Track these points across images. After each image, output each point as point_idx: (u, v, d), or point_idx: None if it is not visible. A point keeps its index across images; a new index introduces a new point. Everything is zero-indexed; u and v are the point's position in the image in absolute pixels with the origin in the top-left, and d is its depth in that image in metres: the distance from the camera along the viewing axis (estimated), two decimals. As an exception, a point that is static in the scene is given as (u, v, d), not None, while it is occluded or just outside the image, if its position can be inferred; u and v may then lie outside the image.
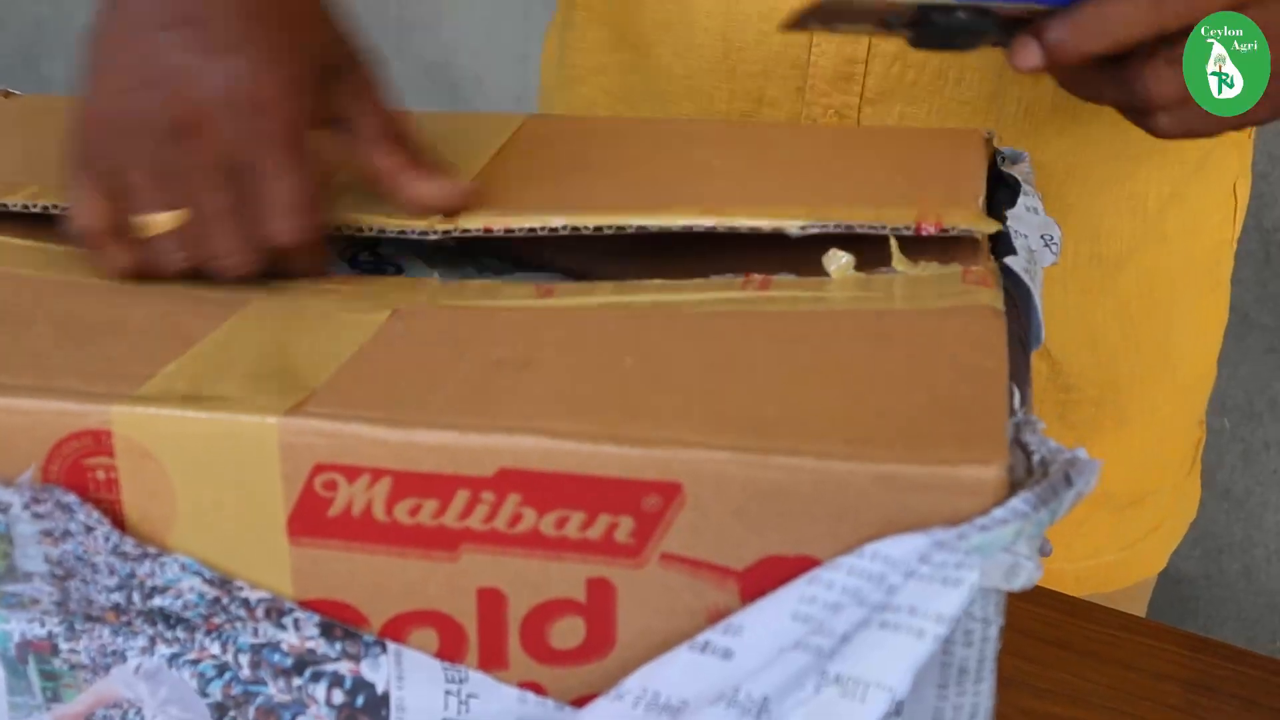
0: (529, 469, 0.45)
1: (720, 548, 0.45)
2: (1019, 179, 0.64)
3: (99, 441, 0.47)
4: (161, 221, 0.54)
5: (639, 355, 0.50)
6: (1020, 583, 0.44)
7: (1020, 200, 0.63)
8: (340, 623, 0.48)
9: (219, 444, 0.46)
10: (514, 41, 1.84)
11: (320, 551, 0.47)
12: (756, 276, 0.55)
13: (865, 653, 0.42)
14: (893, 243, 0.55)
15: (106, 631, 0.49)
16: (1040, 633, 0.75)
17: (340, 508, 0.46)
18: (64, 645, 0.50)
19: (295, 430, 0.46)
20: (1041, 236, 0.61)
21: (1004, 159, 0.67)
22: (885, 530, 0.44)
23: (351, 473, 0.46)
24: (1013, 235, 0.59)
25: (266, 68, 0.53)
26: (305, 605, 0.48)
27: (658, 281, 0.55)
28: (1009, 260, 0.56)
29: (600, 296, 0.54)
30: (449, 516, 0.46)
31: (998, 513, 0.43)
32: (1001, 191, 0.63)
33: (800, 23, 0.62)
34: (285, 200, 0.54)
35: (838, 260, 0.55)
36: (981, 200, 0.58)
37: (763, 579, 0.45)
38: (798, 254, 0.56)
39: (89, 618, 0.49)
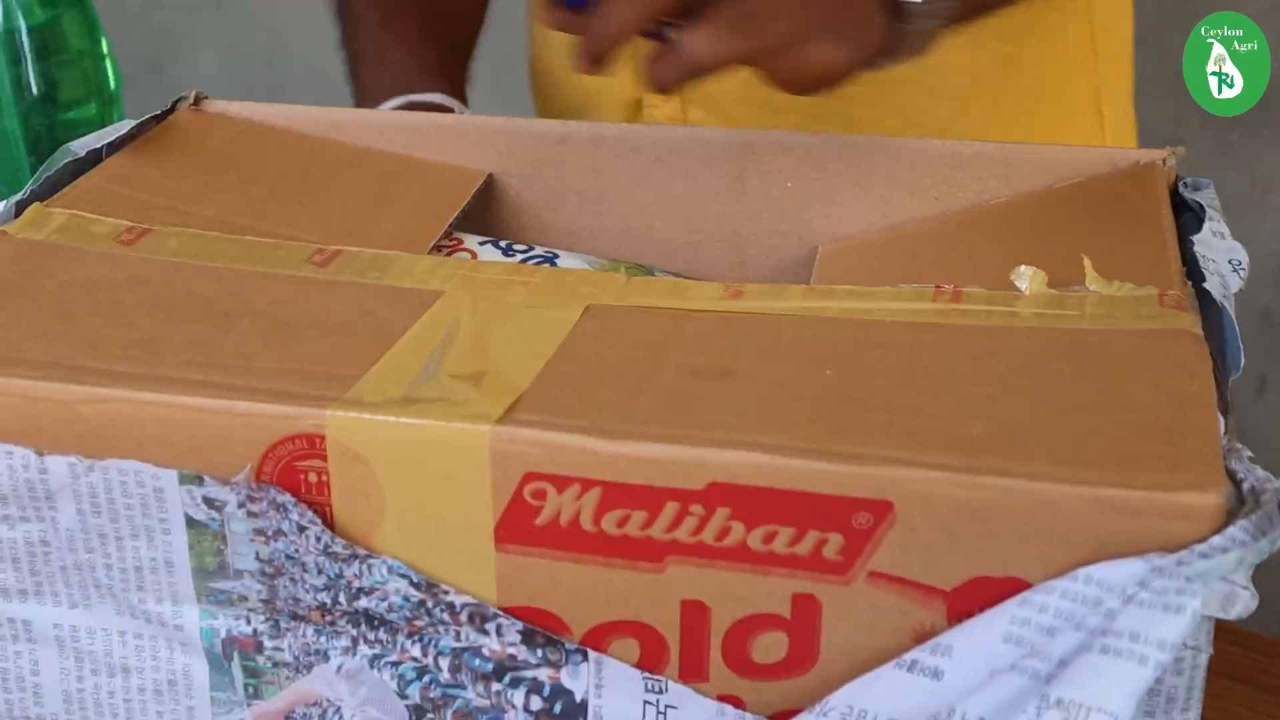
0: (740, 483, 0.45)
1: (928, 567, 0.45)
2: (1204, 204, 0.64)
3: (312, 445, 0.48)
4: None
5: (837, 366, 0.50)
6: (1236, 612, 0.43)
7: (1206, 226, 0.62)
8: (542, 630, 0.48)
9: (431, 450, 0.47)
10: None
11: (526, 559, 0.48)
12: (948, 287, 0.55)
13: (1086, 678, 0.42)
14: (1086, 262, 0.55)
15: (311, 630, 0.50)
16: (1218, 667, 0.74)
17: (548, 516, 0.47)
18: (269, 643, 0.50)
19: (507, 438, 0.46)
20: (1229, 261, 0.60)
21: (1186, 185, 0.66)
22: (1096, 554, 0.44)
23: (561, 482, 0.46)
24: (1201, 261, 0.58)
25: None
26: (508, 611, 0.48)
27: (847, 287, 0.56)
28: (1205, 285, 0.56)
29: (791, 301, 0.55)
30: (656, 528, 0.46)
31: (1217, 540, 0.43)
32: (1186, 216, 0.63)
33: None
34: None
35: (1028, 275, 0.55)
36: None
37: (970, 600, 0.45)
38: (980, 267, 0.56)
39: (295, 616, 0.50)
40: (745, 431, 0.46)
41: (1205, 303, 0.55)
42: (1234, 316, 0.57)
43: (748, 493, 0.45)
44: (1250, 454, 0.48)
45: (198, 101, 0.73)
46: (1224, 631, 0.75)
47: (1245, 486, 0.46)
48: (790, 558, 0.46)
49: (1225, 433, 0.48)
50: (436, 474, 0.47)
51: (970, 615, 0.45)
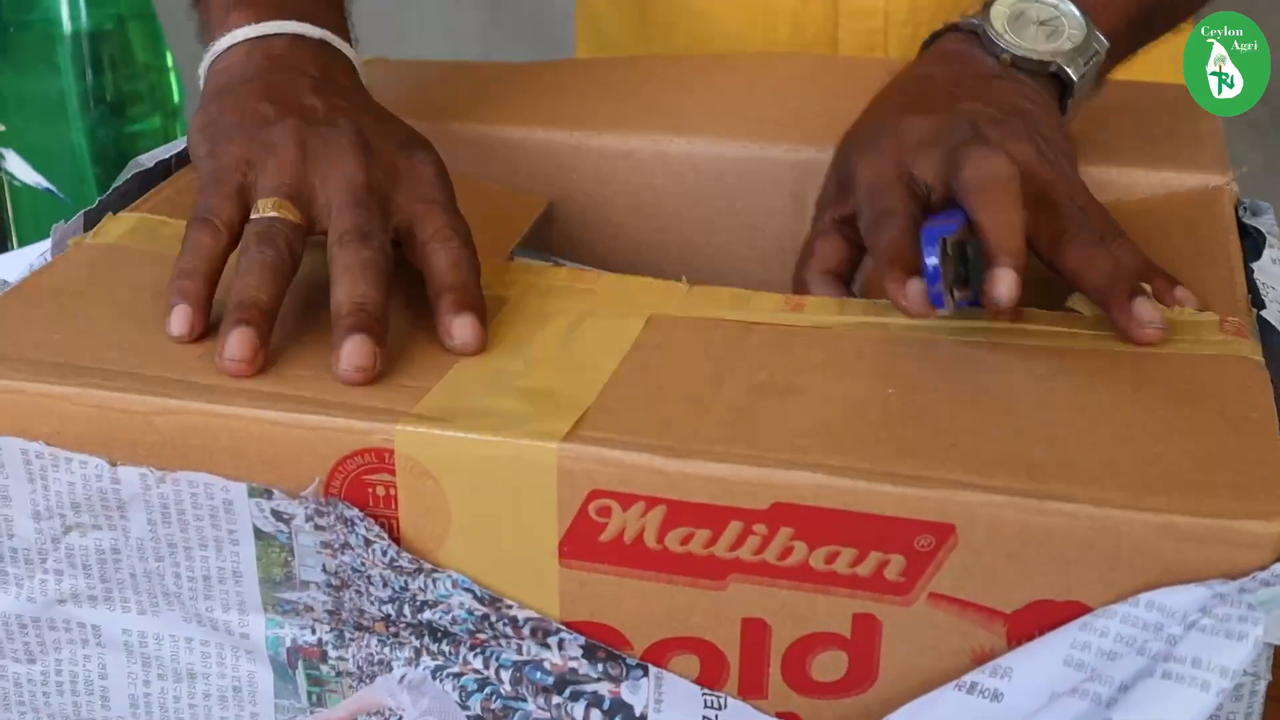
0: (803, 504, 0.46)
1: (989, 590, 0.45)
2: (1263, 231, 0.64)
3: (381, 459, 0.48)
4: None
5: (900, 385, 0.50)
6: (1299, 639, 0.44)
7: (1265, 253, 0.62)
8: (603, 644, 0.49)
9: (498, 466, 0.48)
10: None
11: (589, 575, 0.48)
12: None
13: (1148, 702, 0.42)
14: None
15: (375, 641, 0.51)
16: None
17: (613, 533, 0.47)
18: (333, 652, 0.51)
19: (574, 456, 0.47)
20: None
21: (1245, 209, 0.66)
22: (1158, 579, 0.44)
23: (626, 500, 0.47)
24: (1260, 288, 0.58)
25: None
26: (570, 626, 0.49)
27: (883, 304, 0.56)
28: (1264, 313, 0.56)
29: (852, 316, 0.55)
30: (720, 547, 0.47)
31: (1278, 568, 0.43)
32: (1245, 243, 0.63)
33: None
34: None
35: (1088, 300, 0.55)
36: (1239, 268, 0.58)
37: (1030, 623, 0.45)
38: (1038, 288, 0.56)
39: (359, 627, 0.51)
40: (809, 452, 0.47)
41: (1264, 329, 0.55)
42: None
43: (811, 513, 0.46)
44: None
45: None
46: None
47: None
48: (852, 578, 0.46)
49: None
50: (503, 490, 0.48)
51: (1030, 638, 0.46)
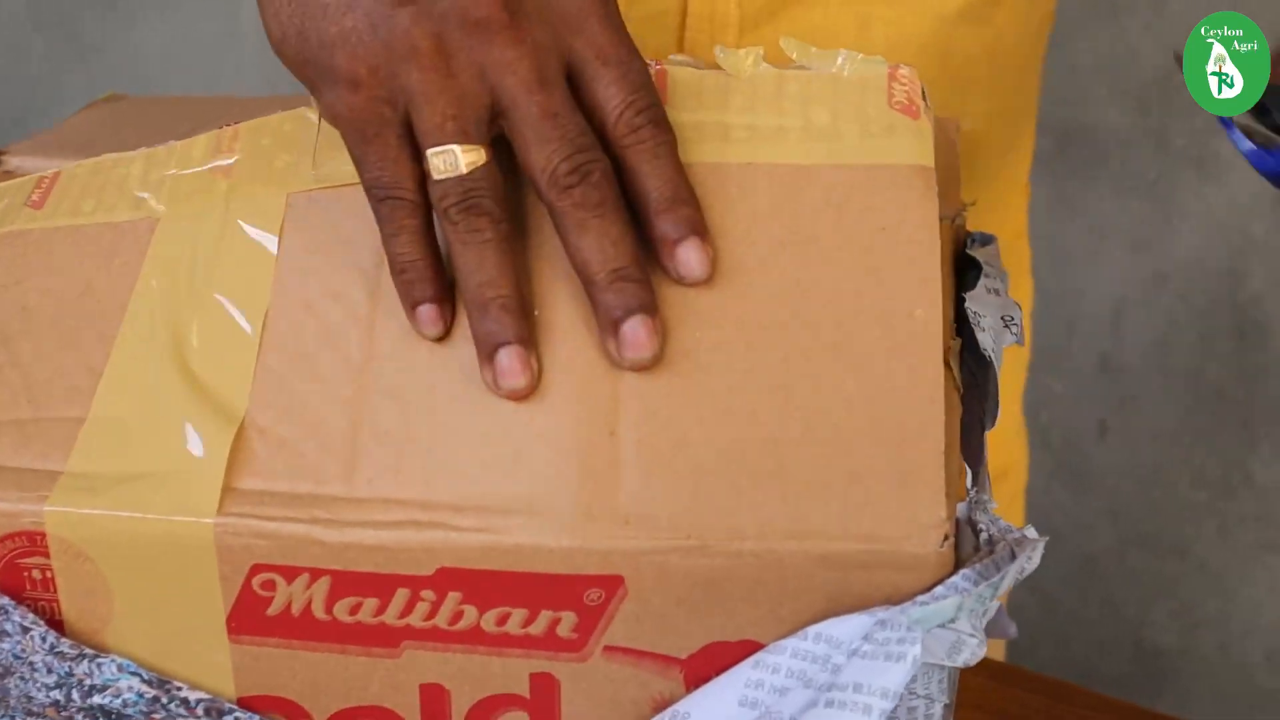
0: (469, 567, 0.45)
1: (663, 637, 0.45)
2: (981, 260, 0.64)
3: (34, 542, 0.46)
4: None
5: (550, 295, 0.47)
6: (964, 659, 0.44)
7: (981, 282, 0.62)
8: (283, 719, 0.47)
9: (154, 544, 0.46)
10: None
11: (261, 649, 0.47)
12: (654, 65, 0.51)
13: (812, 735, 0.42)
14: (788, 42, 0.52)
15: (46, 733, 0.49)
16: (1011, 712, 0.74)
17: (280, 606, 0.46)
18: (3, 748, 0.49)
19: (232, 531, 0.45)
20: (1002, 317, 0.61)
21: (974, 242, 0.66)
22: (828, 608, 0.44)
23: (290, 572, 0.45)
24: (972, 316, 0.59)
25: None
26: (246, 703, 0.47)
27: None
28: (979, 337, 0.56)
29: None
30: (389, 614, 0.45)
31: (938, 589, 0.43)
32: (968, 274, 0.63)
33: None
34: None
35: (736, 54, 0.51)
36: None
37: (707, 665, 0.45)
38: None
39: (30, 714, 0.48)
40: (469, 478, 0.45)
41: (979, 362, 0.55)
42: (998, 371, 0.57)
43: (477, 576, 0.45)
44: (995, 505, 0.48)
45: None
46: (1023, 678, 0.76)
47: (984, 537, 0.46)
48: (525, 638, 0.45)
49: (974, 485, 0.48)
50: (163, 568, 0.46)
51: (708, 679, 0.45)
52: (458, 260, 0.47)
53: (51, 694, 0.48)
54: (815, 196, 0.48)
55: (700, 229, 0.47)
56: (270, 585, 0.46)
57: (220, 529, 0.45)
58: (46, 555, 0.46)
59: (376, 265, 0.49)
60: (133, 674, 0.47)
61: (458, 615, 0.45)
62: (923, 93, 0.51)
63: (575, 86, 0.47)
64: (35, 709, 0.48)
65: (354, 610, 0.46)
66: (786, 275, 0.47)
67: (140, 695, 0.47)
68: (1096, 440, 1.60)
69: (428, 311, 0.47)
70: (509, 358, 0.45)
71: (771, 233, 0.47)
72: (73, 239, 0.53)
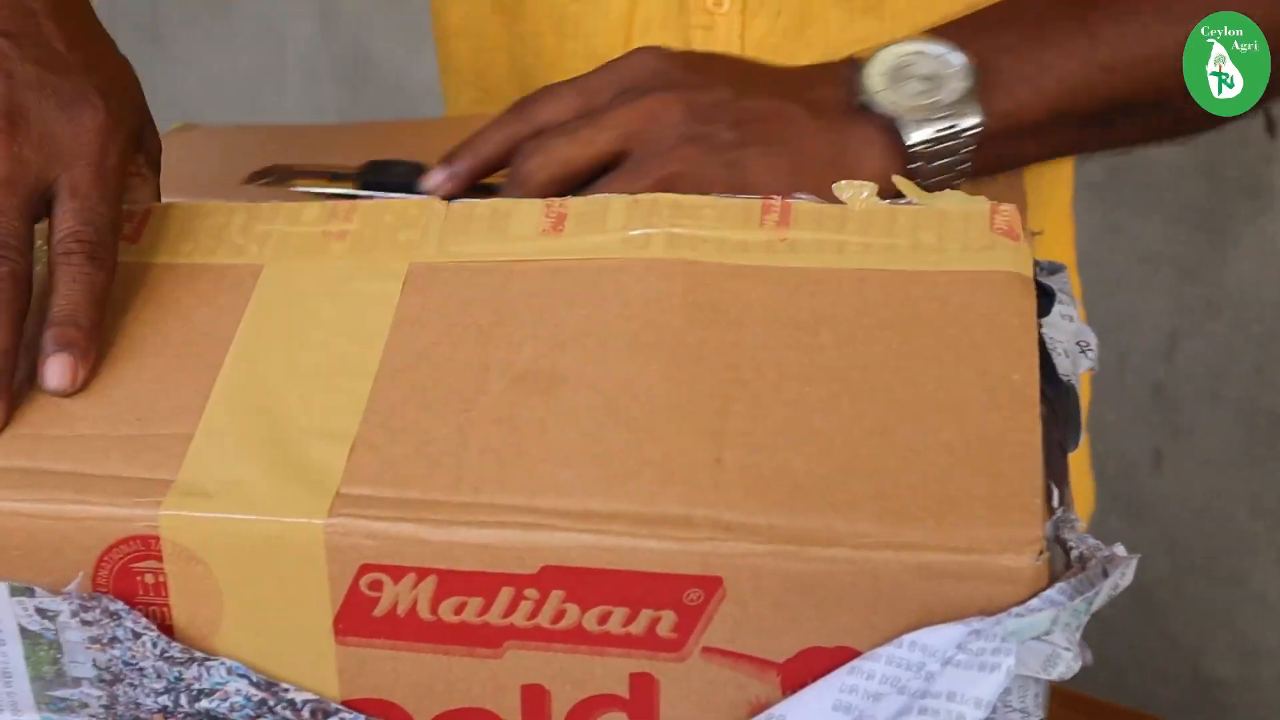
0: (572, 565, 0.46)
1: (761, 639, 0.46)
2: (1054, 288, 0.65)
3: (147, 546, 0.48)
4: None
5: (663, 354, 0.50)
6: (1058, 672, 0.44)
7: (1056, 308, 0.63)
8: (385, 722, 0.48)
9: (265, 546, 0.47)
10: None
11: (366, 651, 0.48)
12: (776, 202, 0.55)
13: (908, 739, 0.43)
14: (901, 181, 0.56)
15: (154, 735, 0.50)
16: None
17: (386, 607, 0.47)
18: (112, 749, 0.50)
19: (341, 531, 0.46)
20: (1077, 343, 0.62)
21: (1041, 269, 0.67)
22: (920, 618, 0.45)
23: (397, 572, 0.47)
24: (1047, 342, 0.59)
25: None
26: (350, 705, 0.48)
27: (671, 201, 0.55)
28: (1057, 362, 0.57)
29: (613, 233, 0.54)
30: (493, 614, 0.47)
31: (1033, 602, 0.44)
32: (1039, 300, 0.64)
33: (254, 179, 0.67)
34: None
35: (855, 188, 0.55)
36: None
37: (803, 670, 0.46)
38: None
39: (137, 721, 0.50)
40: (573, 492, 0.46)
41: (1057, 385, 0.56)
42: (1079, 395, 0.58)
43: (580, 574, 0.46)
44: (1083, 524, 0.49)
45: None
46: (1086, 704, 0.76)
47: (1075, 554, 0.47)
48: (625, 637, 0.46)
49: (1060, 504, 0.49)
50: (272, 570, 0.47)
51: (804, 685, 0.46)
52: None
53: (160, 699, 0.49)
54: (920, 292, 0.52)
55: (77, 349, 0.52)
56: (378, 585, 0.47)
57: (330, 529, 0.46)
58: (159, 559, 0.48)
59: (493, 324, 0.52)
60: (241, 676, 0.48)
61: (560, 614, 0.46)
62: (1023, 224, 0.54)
63: (50, 212, 0.54)
64: (143, 715, 0.49)
65: (458, 610, 0.47)
66: (892, 347, 0.50)
67: (248, 698, 0.48)
68: (1151, 470, 1.60)
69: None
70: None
71: (879, 317, 0.51)
72: (172, 276, 0.56)
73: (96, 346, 0.52)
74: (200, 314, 0.54)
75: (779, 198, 0.55)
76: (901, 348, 0.50)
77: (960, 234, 0.54)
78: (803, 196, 0.55)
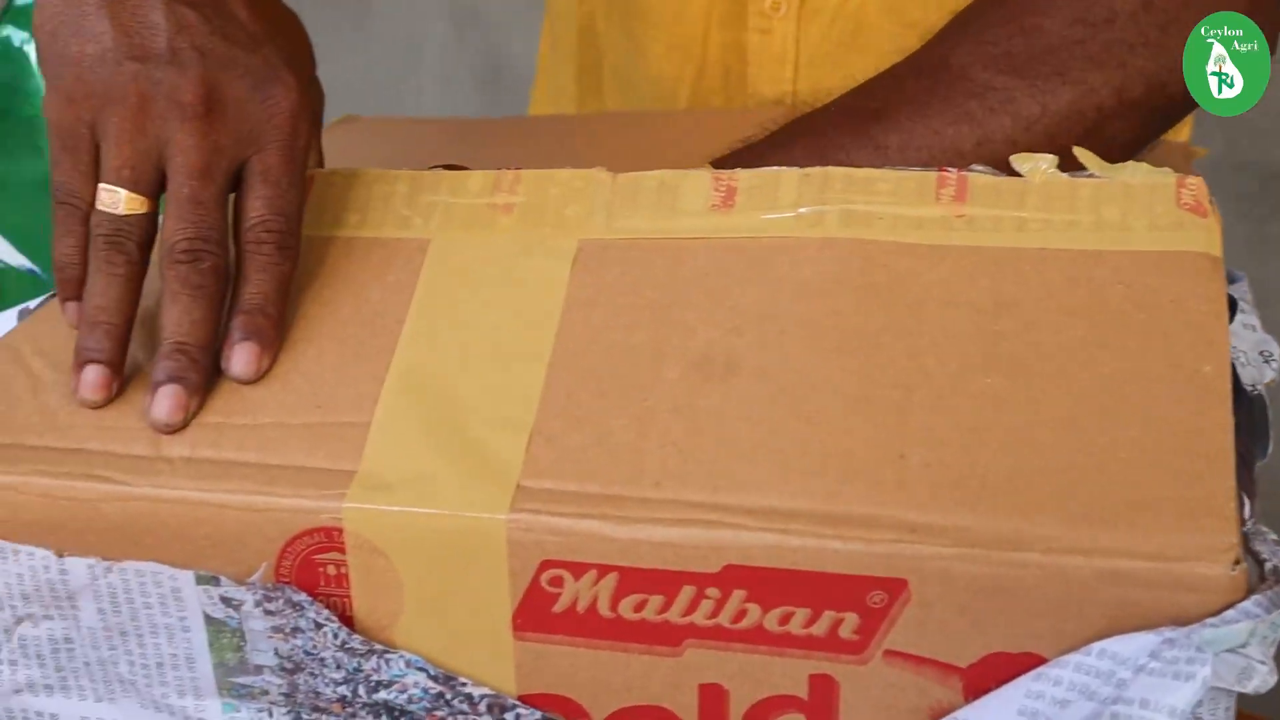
0: (755, 565, 0.45)
1: (944, 644, 0.45)
2: (1236, 297, 0.64)
3: (330, 538, 0.48)
4: None
5: (841, 339, 0.49)
6: (1254, 686, 0.43)
7: (1239, 318, 0.62)
8: (561, 717, 0.48)
9: (447, 540, 0.47)
10: None
11: (544, 646, 0.48)
12: (952, 175, 0.53)
13: (1102, 747, 0.42)
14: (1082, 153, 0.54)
15: (331, 724, 0.50)
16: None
17: (566, 603, 0.47)
18: (290, 737, 0.51)
19: (524, 526, 0.47)
20: (1260, 353, 0.61)
21: None
22: (1109, 626, 0.44)
23: (578, 569, 0.47)
24: (1232, 352, 0.58)
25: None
26: (527, 700, 0.49)
27: (844, 175, 0.53)
28: (1240, 372, 0.56)
29: (784, 210, 0.53)
30: (673, 612, 0.47)
31: (1229, 613, 0.43)
32: None
33: None
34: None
35: (1034, 161, 0.54)
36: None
37: (987, 676, 0.45)
38: None
39: (316, 709, 0.50)
40: (755, 488, 0.46)
41: (1238, 391, 0.55)
42: (1267, 405, 0.56)
43: (763, 574, 0.46)
44: (1275, 537, 0.48)
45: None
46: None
47: (1268, 567, 0.46)
48: (806, 638, 0.46)
49: (1250, 516, 0.48)
50: (454, 564, 0.48)
51: (987, 691, 0.45)
52: (89, 281, 0.53)
53: (338, 689, 0.49)
54: (1105, 274, 0.50)
55: (264, 338, 0.52)
56: (558, 581, 0.47)
57: (512, 525, 0.47)
58: (342, 551, 0.48)
59: (666, 306, 0.51)
60: (419, 669, 0.48)
61: (741, 614, 0.46)
62: (1209, 198, 0.53)
63: (240, 191, 0.54)
64: (322, 704, 0.50)
65: (638, 607, 0.47)
66: (1076, 335, 0.48)
67: (425, 691, 0.49)
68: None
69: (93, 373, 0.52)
70: (94, 373, 0.52)
71: (1063, 302, 0.49)
72: (344, 250, 0.56)
73: (281, 335, 0.53)
74: (372, 292, 0.54)
75: (954, 170, 0.54)
76: (1086, 336, 0.48)
77: (1146, 210, 0.52)
78: (979, 169, 0.54)
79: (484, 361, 0.51)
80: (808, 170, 0.54)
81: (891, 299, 0.50)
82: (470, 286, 0.53)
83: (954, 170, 0.54)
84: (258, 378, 0.52)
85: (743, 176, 0.55)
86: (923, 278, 0.51)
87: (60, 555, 0.49)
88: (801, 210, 0.53)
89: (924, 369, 0.48)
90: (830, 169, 0.54)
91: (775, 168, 0.55)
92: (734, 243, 0.53)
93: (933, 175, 0.54)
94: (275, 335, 0.53)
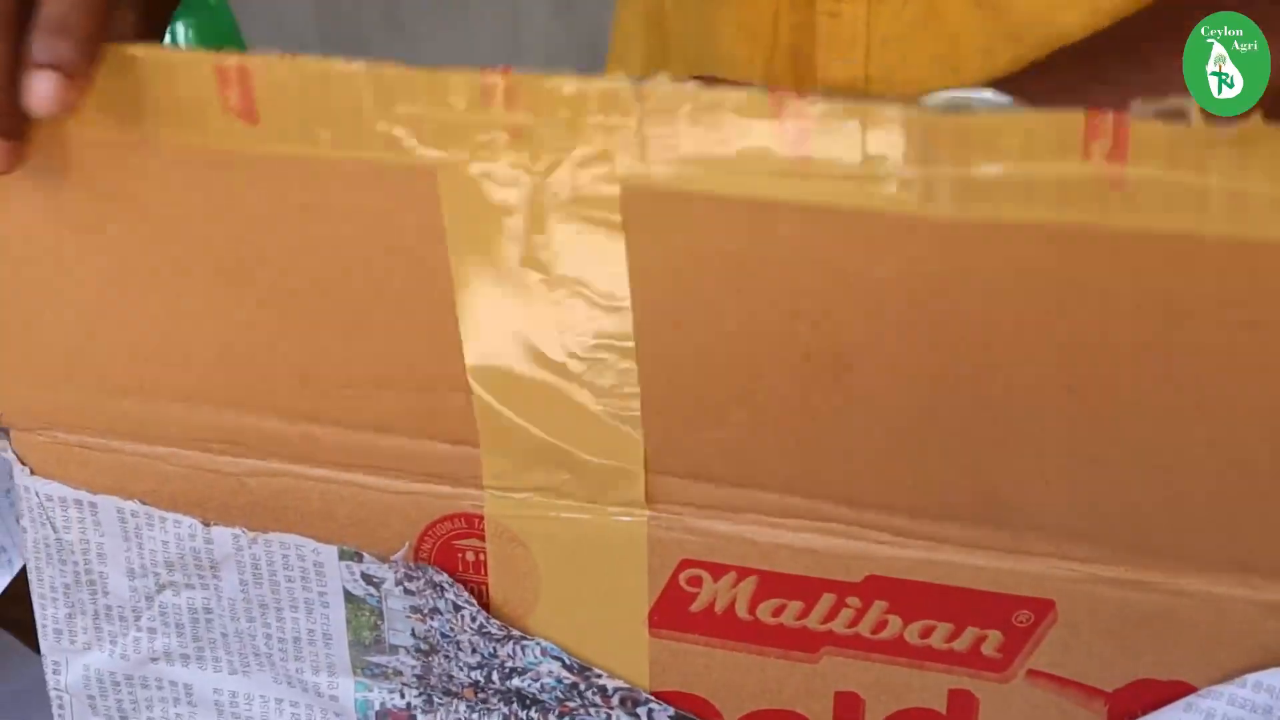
0: (897, 577, 0.45)
1: (1090, 667, 0.44)
2: None
3: (470, 524, 0.48)
4: None
5: (958, 339, 0.42)
6: None
7: None
8: (693, 715, 0.48)
9: (587, 534, 0.47)
10: None
11: (679, 645, 0.48)
12: (1105, 124, 0.39)
13: (1255, 788, 0.41)
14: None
15: (463, 707, 0.50)
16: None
17: (703, 604, 0.47)
18: (421, 717, 0.51)
19: (665, 525, 0.46)
20: None
21: None
22: (1266, 656, 0.43)
23: (717, 570, 0.46)
24: None
25: None
26: (659, 696, 0.48)
27: (953, 123, 0.39)
28: None
29: (885, 177, 0.40)
30: (812, 619, 0.46)
31: (1392, 651, 0.42)
32: None
33: None
34: None
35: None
36: None
37: (1133, 701, 0.44)
38: None
39: (448, 692, 0.50)
40: (898, 500, 0.44)
41: None
42: None
43: (906, 587, 0.45)
44: None
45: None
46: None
47: None
48: (948, 653, 0.45)
49: None
50: (593, 559, 0.47)
51: (1132, 717, 0.44)
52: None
53: (472, 674, 0.50)
54: None
55: (71, 68, 0.42)
56: (696, 581, 0.46)
57: (654, 523, 0.46)
58: (481, 538, 0.48)
59: (750, 283, 0.42)
60: (555, 659, 0.48)
61: (881, 624, 0.45)
62: None
63: None
64: (454, 688, 0.50)
65: (776, 612, 0.46)
66: (1253, 355, 0.41)
67: (559, 680, 0.49)
68: None
69: None
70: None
71: (1248, 311, 0.41)
72: (341, 179, 0.43)
73: (92, 61, 0.43)
74: (402, 242, 0.44)
75: (1110, 112, 0.38)
76: (1264, 355, 0.41)
77: None
78: (1147, 107, 0.39)
79: (562, 336, 0.44)
80: (909, 117, 0.39)
81: (1029, 298, 0.42)
82: (505, 244, 0.43)
83: (1109, 113, 0.38)
84: (62, 111, 0.42)
85: (811, 112, 0.40)
86: (1067, 271, 0.41)
87: (207, 524, 0.50)
88: (905, 174, 0.40)
89: (1070, 385, 0.43)
90: (937, 119, 0.39)
91: (856, 104, 0.40)
92: (821, 210, 0.40)
93: (1079, 118, 0.38)
94: (82, 61, 0.42)
